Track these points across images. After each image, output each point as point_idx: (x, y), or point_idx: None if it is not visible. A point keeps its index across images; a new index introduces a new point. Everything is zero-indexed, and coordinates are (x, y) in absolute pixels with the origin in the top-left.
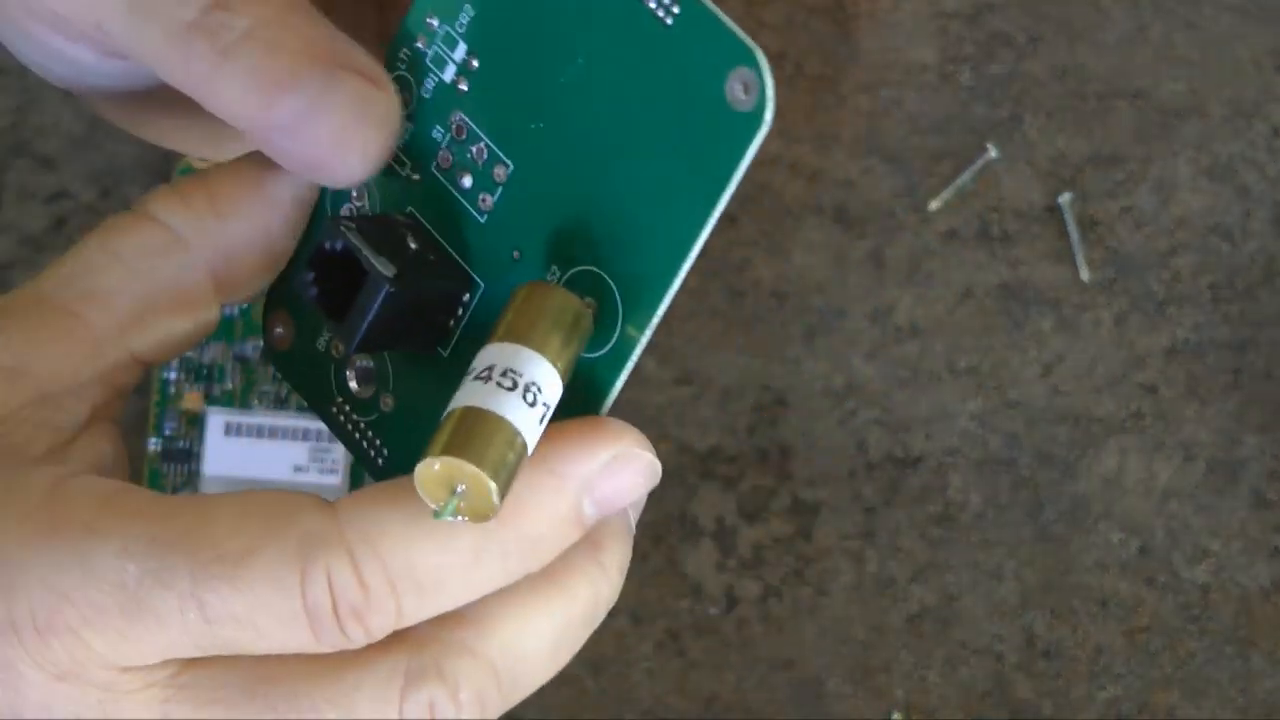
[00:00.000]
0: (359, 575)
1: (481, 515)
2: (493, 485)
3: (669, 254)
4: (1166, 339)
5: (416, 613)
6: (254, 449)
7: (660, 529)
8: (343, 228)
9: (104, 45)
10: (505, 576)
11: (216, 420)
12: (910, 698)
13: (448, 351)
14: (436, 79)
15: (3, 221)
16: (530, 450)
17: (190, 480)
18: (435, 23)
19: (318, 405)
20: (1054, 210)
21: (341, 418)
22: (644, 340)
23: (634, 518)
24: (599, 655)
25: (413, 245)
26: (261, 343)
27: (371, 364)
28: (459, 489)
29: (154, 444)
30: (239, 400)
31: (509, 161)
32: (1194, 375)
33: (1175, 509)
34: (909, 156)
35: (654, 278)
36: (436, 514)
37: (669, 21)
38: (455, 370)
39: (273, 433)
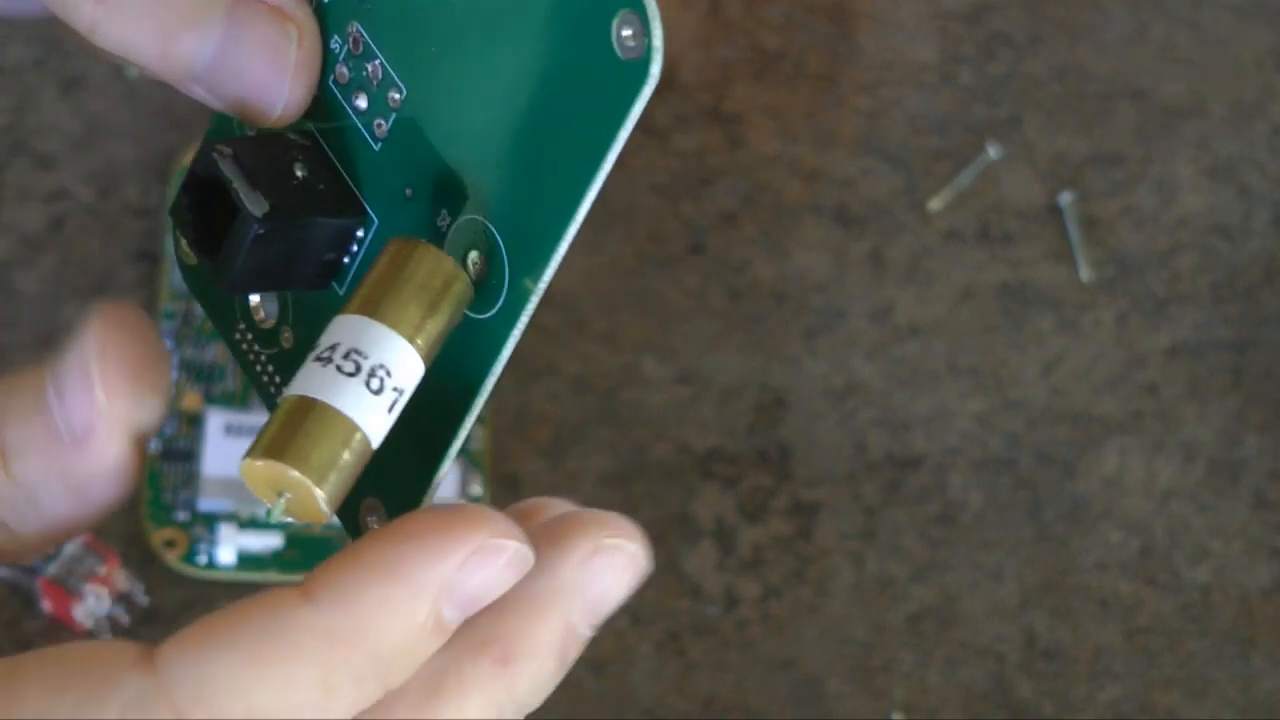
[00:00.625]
0: None
1: (313, 519)
2: (319, 493)
3: (557, 208)
4: (1167, 339)
5: None
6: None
7: (660, 529)
8: (215, 154)
9: None
10: (366, 701)
11: (216, 420)
12: (910, 698)
13: (344, 289)
14: None
15: (1, 221)
16: (375, 444)
17: (190, 480)
18: None
19: (223, 329)
20: (1054, 210)
21: (244, 345)
22: (533, 300)
23: (591, 626)
24: (599, 655)
25: (300, 173)
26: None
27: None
28: (285, 496)
29: (153, 444)
30: (239, 400)
31: (403, 86)
32: (1195, 375)
33: (1176, 509)
34: (909, 156)
35: (542, 232)
36: (267, 514)
37: None
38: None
39: None
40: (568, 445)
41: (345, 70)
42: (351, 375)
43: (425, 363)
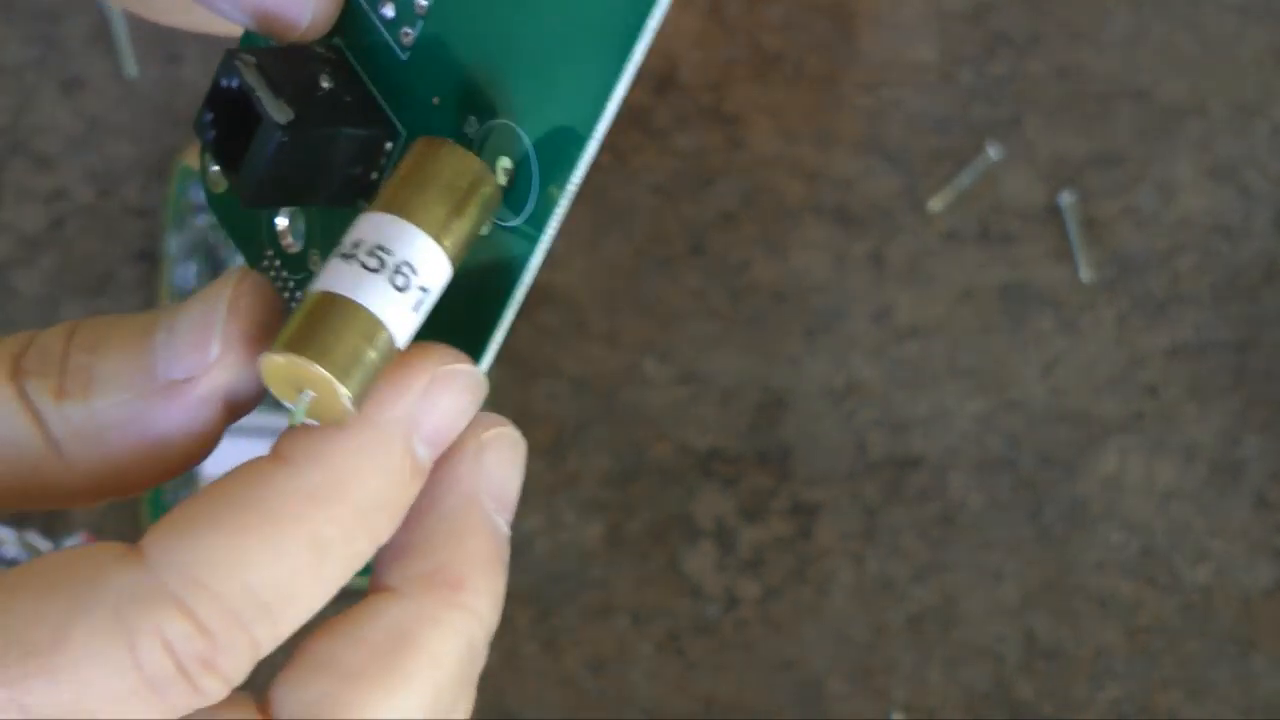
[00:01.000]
0: (196, 622)
1: (336, 420)
2: (342, 390)
3: (584, 108)
4: (1167, 339)
5: (274, 637)
6: (253, 448)
7: (660, 529)
8: (238, 62)
9: None
10: (359, 559)
11: None
12: (910, 698)
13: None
14: None
15: (1, 221)
16: (402, 344)
17: (189, 480)
18: None
19: (250, 257)
20: (1054, 210)
21: (272, 273)
22: (562, 206)
23: (506, 520)
24: (599, 655)
25: (325, 84)
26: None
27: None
28: (307, 394)
29: None
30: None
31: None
32: (1195, 375)
33: (1176, 509)
34: (909, 156)
35: (569, 134)
36: (290, 416)
37: None
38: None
39: (274, 432)
40: (568, 445)
41: None
42: (375, 271)
43: (453, 263)
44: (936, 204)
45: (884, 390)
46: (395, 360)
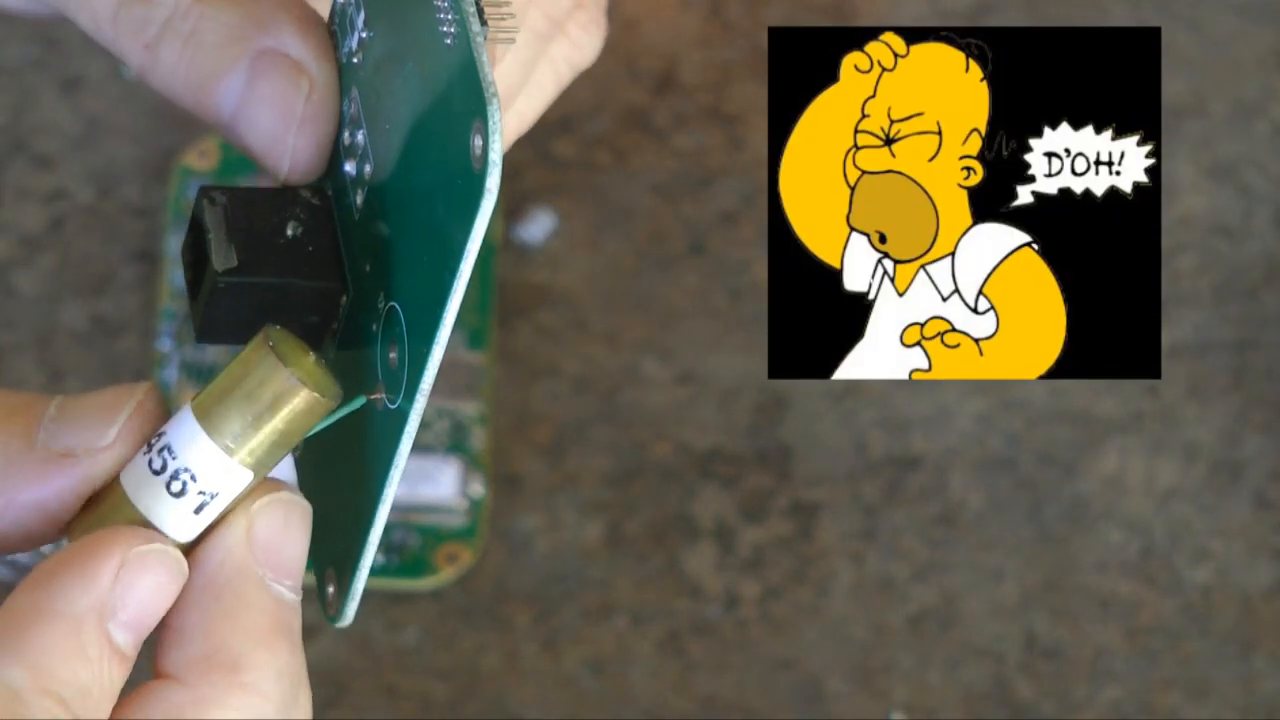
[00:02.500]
0: None
1: None
2: None
3: (430, 315)
4: (1167, 339)
5: None
6: None
7: (660, 529)
8: (205, 199)
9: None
10: None
11: None
12: (910, 698)
13: (330, 356)
14: (348, 44)
15: (0, 221)
16: (179, 540)
17: None
18: None
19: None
20: None
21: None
22: (415, 408)
23: (290, 585)
24: (599, 655)
25: (290, 232)
26: None
27: None
28: None
29: None
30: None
31: (371, 160)
32: (1195, 375)
33: (1177, 509)
34: None
35: (422, 335)
36: None
37: (448, 42)
38: (339, 379)
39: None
40: (568, 445)
41: (347, 135)
42: (156, 474)
43: (254, 470)
44: None
45: (884, 390)
46: (79, 547)
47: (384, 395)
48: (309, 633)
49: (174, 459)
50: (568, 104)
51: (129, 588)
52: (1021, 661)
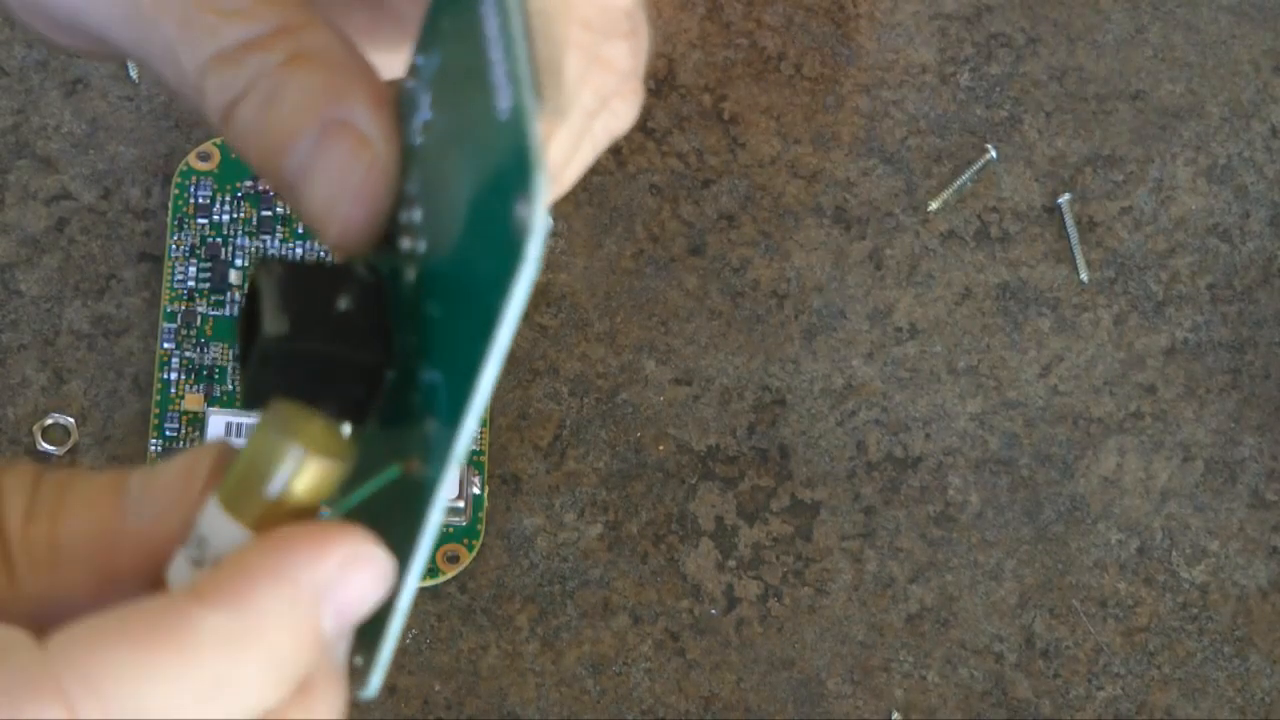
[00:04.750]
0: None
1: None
2: None
3: (465, 387)
4: (1165, 339)
5: None
6: None
7: (660, 529)
8: (264, 267)
9: (104, 50)
10: (245, 711)
11: (217, 421)
12: (910, 698)
13: (365, 431)
14: (413, 125)
15: (4, 222)
16: None
17: None
18: (420, 61)
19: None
20: (1053, 211)
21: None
22: (446, 476)
23: (342, 648)
24: (599, 655)
25: (342, 305)
26: None
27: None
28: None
29: (155, 445)
30: (239, 401)
31: (426, 237)
32: (1193, 375)
33: (1174, 509)
34: (908, 157)
35: (456, 415)
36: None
37: (503, 117)
38: (375, 450)
39: None
40: (568, 445)
41: (404, 214)
42: (200, 566)
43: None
44: (935, 205)
45: (883, 390)
46: (310, 529)
47: (419, 465)
48: None
49: (211, 550)
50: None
51: (350, 579)
52: (1020, 661)
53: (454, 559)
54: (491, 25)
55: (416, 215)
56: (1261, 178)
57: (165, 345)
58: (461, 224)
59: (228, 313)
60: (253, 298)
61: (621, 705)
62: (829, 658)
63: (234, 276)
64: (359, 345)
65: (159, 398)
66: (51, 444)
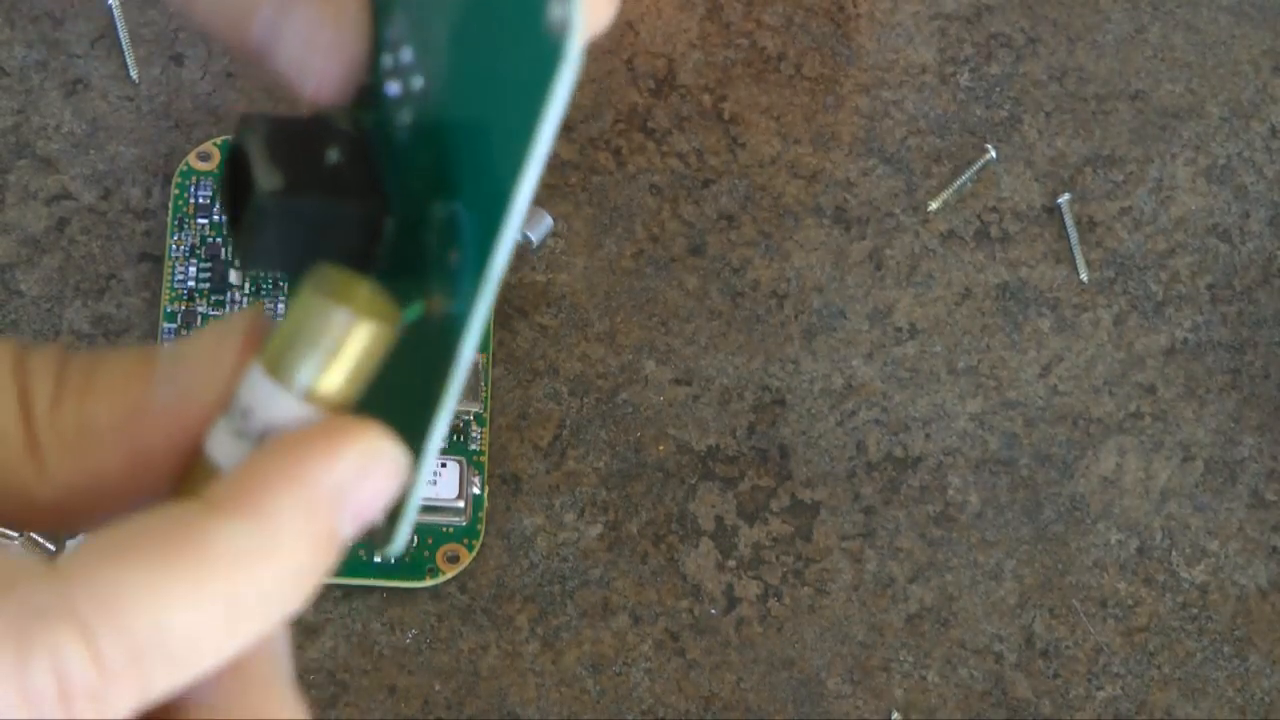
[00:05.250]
0: (94, 651)
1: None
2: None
3: (497, 204)
4: (1165, 339)
5: (166, 685)
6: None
7: (660, 529)
8: (246, 126)
9: None
10: (268, 625)
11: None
12: (910, 697)
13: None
14: None
15: (4, 222)
16: None
17: None
18: None
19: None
20: (1053, 211)
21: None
22: (484, 301)
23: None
24: (599, 655)
25: (332, 158)
26: None
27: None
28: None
29: None
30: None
31: (422, 73)
32: (1193, 375)
33: (1174, 509)
34: (908, 157)
35: (488, 227)
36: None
37: None
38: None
39: None
40: (568, 445)
41: (389, 58)
42: (243, 437)
43: (341, 403)
44: (936, 204)
45: (883, 390)
46: (325, 427)
47: (443, 302)
48: (311, 632)
49: (256, 420)
50: (568, 105)
51: (366, 478)
52: (1020, 661)
53: (454, 559)
54: None
55: (406, 55)
56: (1261, 178)
57: (165, 345)
58: (478, 44)
59: (228, 313)
60: (237, 158)
61: (621, 705)
62: (829, 658)
63: (234, 277)
64: (356, 194)
65: None
66: None
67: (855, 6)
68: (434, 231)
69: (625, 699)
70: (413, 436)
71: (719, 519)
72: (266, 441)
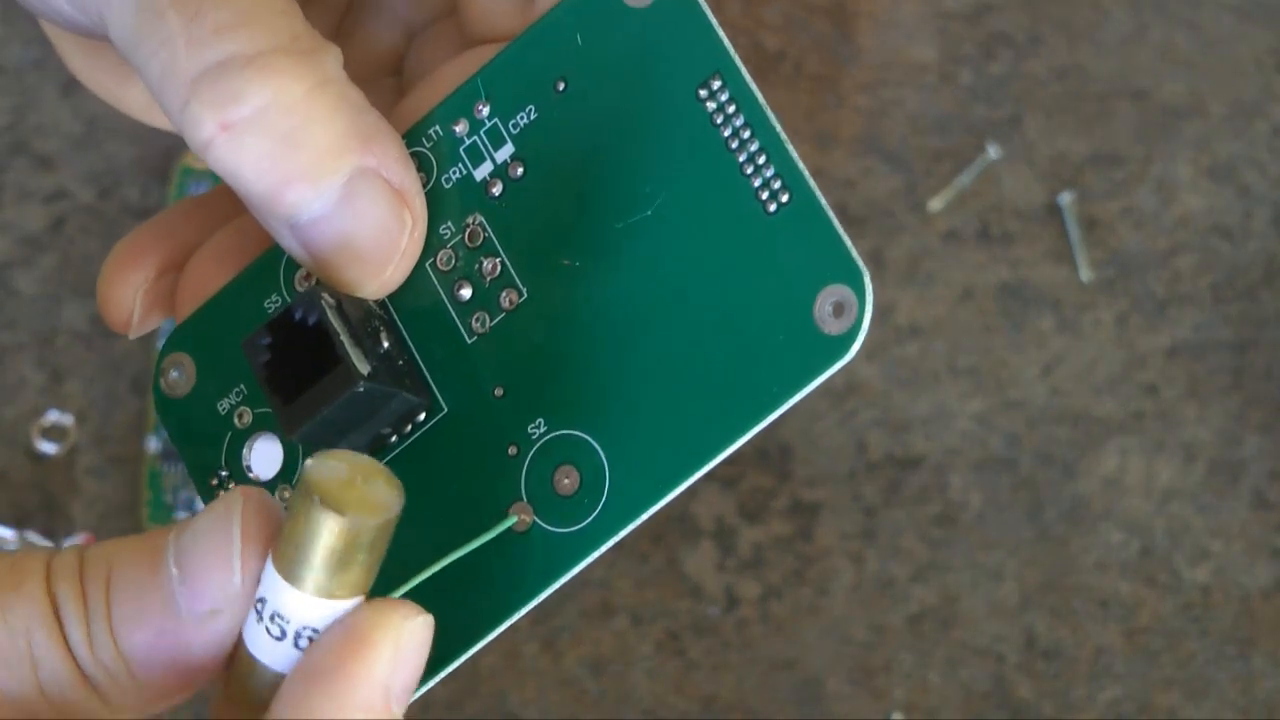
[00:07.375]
0: None
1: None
2: None
3: (680, 457)
4: (1167, 339)
5: None
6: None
7: (660, 529)
8: (324, 301)
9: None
10: None
11: None
12: (910, 698)
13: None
14: (464, 172)
15: (1, 221)
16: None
17: (190, 481)
18: (485, 111)
19: (195, 470)
20: (1054, 210)
21: (215, 487)
22: (615, 538)
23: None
24: (599, 655)
25: (385, 344)
26: None
27: (281, 451)
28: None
29: (154, 444)
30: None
31: (524, 290)
32: (1195, 375)
33: (1176, 509)
34: (909, 156)
35: (658, 473)
36: None
37: (771, 208)
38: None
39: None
40: None
41: (454, 258)
42: (279, 640)
43: (362, 595)
44: (936, 204)
45: (884, 390)
46: (353, 634)
47: (532, 517)
48: None
49: (287, 622)
50: None
51: (404, 664)
52: (1021, 662)
53: None
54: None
55: (487, 264)
56: (1264, 177)
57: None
58: (681, 308)
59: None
60: (288, 328)
61: (621, 705)
62: (829, 658)
63: None
64: (413, 386)
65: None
66: (50, 443)
67: (856, 5)
68: (520, 444)
69: (625, 699)
70: (465, 622)
71: (719, 519)
72: (303, 649)
